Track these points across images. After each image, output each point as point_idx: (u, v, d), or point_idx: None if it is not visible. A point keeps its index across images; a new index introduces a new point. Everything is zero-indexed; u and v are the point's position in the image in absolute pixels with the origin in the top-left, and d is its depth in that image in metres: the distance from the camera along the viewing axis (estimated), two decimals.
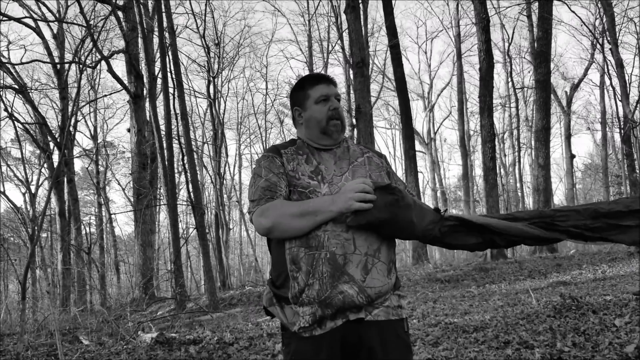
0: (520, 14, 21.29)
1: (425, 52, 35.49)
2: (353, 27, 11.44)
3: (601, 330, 4.70)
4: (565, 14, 68.66)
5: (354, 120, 19.62)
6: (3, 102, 16.33)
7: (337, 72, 64.69)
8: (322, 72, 22.37)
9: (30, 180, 21.75)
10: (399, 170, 34.34)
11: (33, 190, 20.79)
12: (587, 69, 25.10)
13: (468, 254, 15.31)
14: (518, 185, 27.63)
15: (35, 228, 18.67)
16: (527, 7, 19.14)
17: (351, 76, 18.34)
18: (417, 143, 21.40)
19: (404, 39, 30.11)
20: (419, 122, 34.89)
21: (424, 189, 29.31)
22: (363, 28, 12.81)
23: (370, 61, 18.45)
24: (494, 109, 12.61)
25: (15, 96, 17.36)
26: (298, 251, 1.88)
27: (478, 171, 29.01)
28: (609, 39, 19.65)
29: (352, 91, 19.22)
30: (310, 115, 2.05)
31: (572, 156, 24.66)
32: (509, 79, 25.53)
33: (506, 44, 25.04)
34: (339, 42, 20.59)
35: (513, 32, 24.55)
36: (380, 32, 22.69)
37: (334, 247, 1.83)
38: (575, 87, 25.75)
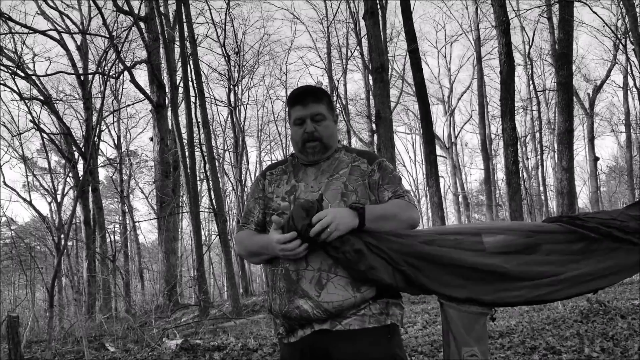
0: (541, 16, 21.09)
1: (445, 56, 35.37)
2: (372, 32, 11.45)
3: (630, 335, 4.62)
4: (586, 15, 67.83)
5: (373, 126, 19.60)
6: (31, 113, 16.69)
7: (356, 77, 64.75)
8: (340, 78, 22.47)
9: (55, 189, 22.12)
10: (420, 175, 34.23)
11: (58, 200, 21.11)
12: (609, 70, 24.75)
13: None
14: (541, 188, 27.30)
15: (61, 237, 18.96)
16: (547, 9, 18.96)
17: (370, 82, 18.34)
18: (437, 148, 21.33)
19: (423, 44, 30.05)
20: (439, 127, 34.68)
21: (445, 193, 29.11)
22: (382, 33, 12.81)
23: (390, 66, 18.44)
24: (515, 112, 12.48)
25: (41, 107, 17.66)
26: (266, 267, 2.06)
27: (500, 175, 28.76)
28: (631, 39, 19.33)
29: (371, 97, 19.23)
30: (291, 135, 2.13)
31: (596, 159, 24.30)
32: (530, 82, 25.28)
33: (527, 47, 24.82)
34: (357, 48, 20.62)
35: (533, 35, 24.25)
36: (399, 37, 22.63)
37: (287, 264, 1.92)
38: (597, 89, 25.39)
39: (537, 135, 26.45)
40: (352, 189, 1.99)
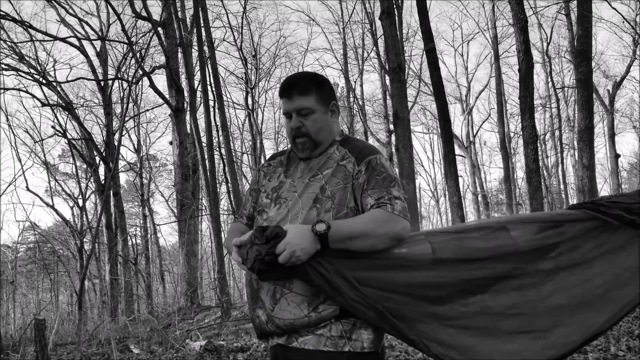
0: (559, 12, 20.88)
1: (462, 55, 35.00)
2: (389, 32, 11.44)
3: None
4: (605, 10, 66.93)
5: (391, 126, 19.57)
6: (58, 120, 16.97)
7: (372, 78, 64.62)
8: (357, 79, 22.46)
9: (77, 194, 22.44)
10: (438, 175, 34.04)
11: (80, 204, 21.39)
12: (629, 66, 24.38)
13: None
14: (562, 187, 27.01)
15: (83, 241, 19.24)
16: (565, 6, 18.77)
17: (387, 82, 18.31)
18: (456, 147, 21.20)
19: (439, 43, 29.91)
20: (457, 126, 34.47)
21: (464, 193, 28.93)
22: (399, 33, 12.80)
23: (406, 66, 18.40)
24: (534, 109, 12.38)
25: (61, 113, 17.93)
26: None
27: (520, 174, 28.48)
28: None
29: (388, 97, 19.21)
30: (285, 127, 1.98)
31: (617, 155, 23.96)
32: (549, 79, 25.03)
33: (545, 44, 24.57)
34: (374, 48, 20.59)
35: (552, 32, 23.97)
36: (416, 36, 22.56)
37: None
38: (617, 85, 25.05)
39: (557, 132, 26.17)
40: (329, 195, 1.79)
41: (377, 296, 1.69)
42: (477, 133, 29.26)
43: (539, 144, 15.77)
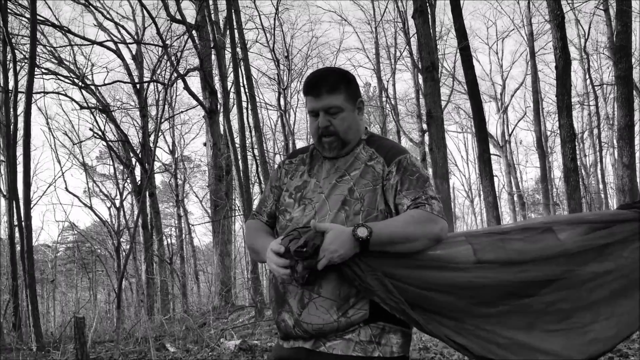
0: (597, 8, 20.37)
1: (497, 53, 34.49)
2: (422, 31, 11.35)
3: None
4: None
5: (424, 126, 19.41)
6: (97, 122, 17.37)
7: (405, 77, 64.20)
8: (389, 79, 22.35)
9: (114, 195, 22.93)
10: (473, 175, 33.61)
11: (117, 204, 21.84)
12: None
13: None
14: (600, 186, 26.36)
15: (120, 240, 19.63)
16: (603, 1, 18.32)
17: (420, 81, 18.16)
18: (491, 146, 20.88)
19: (473, 40, 29.49)
20: (492, 125, 33.93)
21: (499, 193, 28.48)
22: (432, 32, 12.69)
23: (440, 65, 18.22)
24: (572, 107, 12.12)
25: (99, 116, 18.34)
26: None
27: (557, 173, 27.92)
28: None
29: (421, 96, 19.05)
30: (309, 125, 1.96)
31: None
32: (587, 76, 24.46)
33: (582, 40, 24.01)
34: (406, 47, 20.47)
35: (589, 28, 23.50)
36: (449, 34, 22.33)
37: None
38: None
39: (595, 131, 25.55)
40: (358, 197, 1.75)
41: (414, 295, 1.66)
42: (512, 132, 28.78)
43: (576, 143, 15.42)
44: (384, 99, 22.81)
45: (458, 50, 13.15)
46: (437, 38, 16.97)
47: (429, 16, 12.53)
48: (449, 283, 1.68)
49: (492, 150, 24.71)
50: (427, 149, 17.55)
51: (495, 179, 20.25)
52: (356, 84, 1.92)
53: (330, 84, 1.82)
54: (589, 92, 25.08)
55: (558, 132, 12.97)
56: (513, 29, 29.79)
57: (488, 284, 1.68)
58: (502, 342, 1.66)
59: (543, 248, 1.72)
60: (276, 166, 2.02)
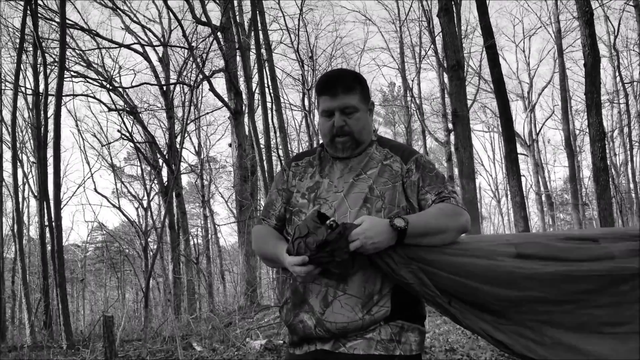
0: (627, 4, 19.97)
1: (523, 51, 33.94)
2: (447, 30, 11.26)
3: None
4: None
5: (449, 125, 19.24)
6: (125, 124, 17.63)
7: (430, 76, 63.76)
8: (414, 78, 22.22)
9: (142, 195, 23.26)
10: (499, 175, 33.20)
11: (144, 205, 22.14)
12: None
13: None
14: (631, 186, 25.80)
15: (148, 240, 19.88)
16: None
17: (445, 80, 18.01)
18: (518, 145, 20.60)
19: (499, 39, 29.12)
20: (519, 124, 33.44)
21: (527, 193, 28.12)
22: (457, 30, 12.58)
23: (465, 63, 18.05)
24: (601, 105, 11.91)
25: (127, 118, 18.60)
26: (279, 273, 1.90)
27: (586, 172, 27.44)
28: None
29: (446, 95, 18.90)
30: (319, 126, 1.91)
31: None
32: (617, 74, 23.97)
33: (611, 37, 23.55)
34: (431, 46, 20.33)
35: (619, 24, 22.91)
36: (475, 33, 22.13)
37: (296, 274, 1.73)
38: None
39: (626, 129, 25.03)
40: (378, 195, 1.76)
41: (452, 283, 1.65)
42: (540, 131, 28.36)
43: (606, 141, 15.14)
44: (408, 98, 22.69)
45: (484, 49, 13.01)
46: (462, 36, 16.81)
47: (454, 14, 12.42)
48: (489, 271, 1.65)
49: (520, 149, 24.40)
50: (452, 149, 17.40)
51: (523, 178, 19.97)
52: (367, 85, 1.94)
53: (347, 84, 1.83)
54: (618, 90, 24.59)
55: (587, 130, 12.74)
56: (540, 27, 29.38)
57: (530, 276, 1.64)
58: (547, 342, 1.62)
59: (588, 249, 1.67)
60: (279, 170, 2.03)
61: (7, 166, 17.33)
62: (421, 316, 1.81)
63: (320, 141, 1.98)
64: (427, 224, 1.67)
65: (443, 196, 1.76)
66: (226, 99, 14.99)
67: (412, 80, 22.39)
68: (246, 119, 14.33)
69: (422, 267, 1.65)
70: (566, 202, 31.57)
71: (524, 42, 36.71)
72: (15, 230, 14.68)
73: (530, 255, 1.67)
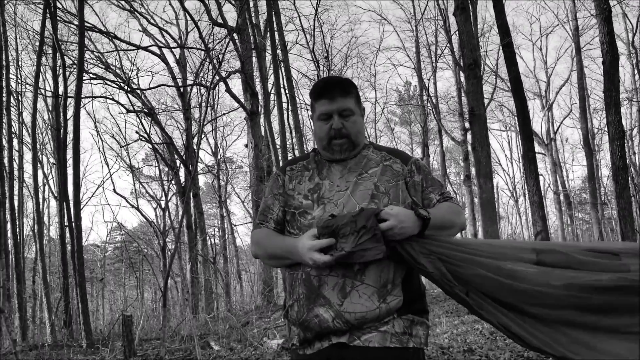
0: None
1: (540, 49, 33.78)
2: (463, 28, 11.21)
3: None
4: None
5: (466, 124, 19.13)
6: (143, 125, 17.80)
7: (446, 75, 63.47)
8: (430, 77, 22.14)
9: (160, 196, 23.46)
10: (517, 174, 32.94)
11: (162, 205, 22.33)
12: None
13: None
14: None
15: (166, 240, 20.05)
16: None
17: (462, 79, 17.92)
18: (536, 144, 20.43)
19: (516, 37, 28.92)
20: (537, 123, 33.22)
21: (545, 192, 27.87)
22: (473, 29, 12.51)
23: (482, 62, 17.94)
24: (620, 103, 11.77)
25: (145, 119, 18.78)
26: (285, 271, 1.91)
27: (605, 171, 27.12)
28: None
29: (463, 94, 18.80)
30: (314, 130, 1.98)
31: None
32: (635, 71, 23.65)
33: (630, 35, 23.25)
34: (448, 45, 20.23)
35: (637, 22, 22.61)
36: (491, 31, 21.97)
37: (309, 268, 1.77)
38: None
39: None
40: (384, 191, 1.85)
41: (472, 275, 1.68)
42: (558, 130, 28.08)
43: (625, 140, 14.97)
44: (425, 97, 22.59)
45: (501, 47, 12.93)
46: (479, 35, 16.71)
47: (471, 13, 12.35)
48: (509, 268, 1.69)
49: (537, 148, 24.19)
50: (469, 148, 17.30)
51: (541, 177, 19.78)
52: (359, 92, 2.03)
53: (343, 88, 1.92)
54: (637, 88, 24.26)
55: (606, 129, 12.61)
56: (557, 25, 29.14)
57: (546, 283, 1.66)
58: (564, 340, 1.63)
59: (607, 263, 1.68)
60: (272, 175, 2.05)
61: (28, 167, 17.66)
62: (426, 311, 1.87)
63: (309, 149, 2.02)
64: (443, 218, 1.80)
65: (446, 196, 1.91)
66: (242, 100, 15.07)
67: (428, 80, 22.31)
68: (262, 120, 14.39)
69: (443, 259, 1.71)
70: (585, 201, 31.22)
71: (541, 41, 36.49)
72: (35, 231, 14.91)
73: (549, 263, 1.70)
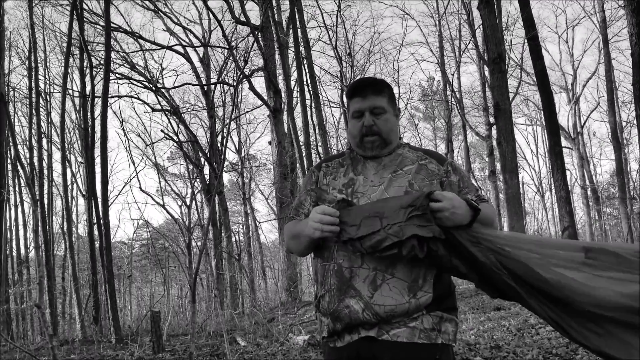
0: None
1: (567, 42, 33.18)
2: (487, 22, 11.11)
3: None
4: None
5: (491, 119, 18.94)
6: (171, 123, 18.01)
7: (470, 69, 62.89)
8: (454, 72, 21.96)
9: (185, 193, 23.71)
10: (543, 169, 32.51)
11: (187, 203, 22.57)
12: None
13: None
14: None
15: (191, 237, 20.27)
16: None
17: (486, 73, 17.74)
18: (562, 138, 20.13)
19: (542, 30, 28.43)
20: (563, 116, 32.75)
21: (572, 187, 27.44)
22: (498, 22, 12.37)
23: (507, 56, 17.73)
24: None
25: (171, 117, 18.98)
26: (316, 262, 1.93)
27: (634, 165, 26.63)
28: None
29: (487, 89, 18.61)
30: (349, 128, 2.02)
31: None
32: None
33: None
34: (471, 39, 20.03)
35: None
36: (516, 24, 21.67)
37: (341, 259, 1.80)
38: None
39: None
40: (417, 189, 1.86)
41: (521, 267, 1.68)
42: (585, 123, 27.60)
43: None
44: (448, 92, 22.42)
45: (526, 40, 12.77)
46: (503, 29, 16.51)
47: (495, 6, 12.22)
48: (560, 274, 1.67)
49: (564, 142, 23.81)
50: (494, 143, 17.12)
51: (568, 172, 19.52)
52: (394, 94, 2.07)
53: (376, 87, 1.97)
54: None
55: (635, 122, 12.37)
56: (584, 16, 28.68)
57: (598, 273, 1.66)
58: (602, 333, 1.62)
59: None
60: (307, 172, 2.10)
61: (57, 166, 17.97)
62: (455, 308, 1.88)
63: (344, 148, 2.05)
64: (487, 214, 1.82)
65: (482, 197, 1.92)
66: (265, 98, 15.14)
67: (452, 74, 22.13)
68: (285, 117, 14.45)
69: (493, 248, 1.72)
70: (613, 196, 30.65)
71: (567, 33, 35.87)
72: (64, 228, 15.20)
73: (599, 265, 1.67)
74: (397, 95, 25.97)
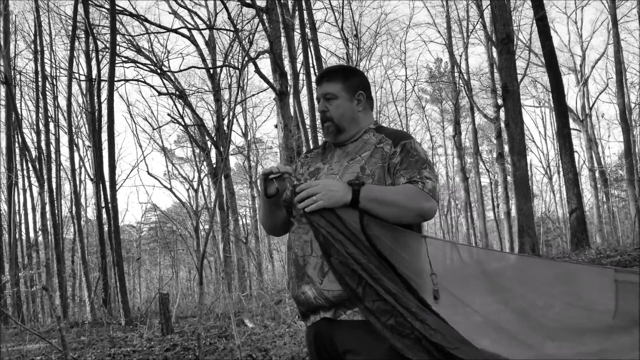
0: None
1: (575, 22, 32.73)
2: (496, 2, 10.97)
3: None
4: None
5: (499, 101, 18.80)
6: (176, 106, 18.00)
7: (478, 50, 62.28)
8: (462, 53, 21.76)
9: (192, 177, 23.77)
10: (551, 151, 32.30)
11: (194, 186, 22.65)
12: None
13: (635, 237, 13.94)
14: None
15: (198, 221, 20.36)
16: None
17: (494, 54, 17.57)
18: (570, 120, 19.98)
19: (550, 10, 28.02)
20: (572, 98, 32.33)
21: (580, 169, 27.29)
22: (506, 2, 12.23)
23: (515, 37, 17.54)
24: None
25: (177, 101, 18.96)
26: (286, 251, 2.06)
27: None
28: None
29: (495, 70, 18.44)
30: None
31: None
32: None
33: None
34: (479, 20, 19.81)
35: None
36: (524, 5, 21.40)
37: (297, 249, 1.91)
38: None
39: None
40: (369, 173, 1.88)
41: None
42: (593, 105, 27.34)
43: None
44: (456, 74, 22.25)
45: (534, 21, 12.63)
46: (511, 9, 16.32)
47: None
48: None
49: (572, 124, 23.61)
50: (502, 125, 17.01)
51: (576, 154, 19.41)
52: (360, 78, 2.08)
53: (329, 74, 2.03)
54: None
55: None
56: None
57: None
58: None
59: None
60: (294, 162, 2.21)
61: (65, 150, 18.04)
62: None
63: None
64: (384, 194, 1.82)
65: (412, 180, 1.84)
66: (271, 80, 15.07)
67: (460, 56, 21.94)
68: (291, 100, 14.39)
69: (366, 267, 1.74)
70: (621, 178, 30.47)
71: (575, 13, 35.49)
72: (73, 212, 15.31)
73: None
74: (404, 77, 25.83)
